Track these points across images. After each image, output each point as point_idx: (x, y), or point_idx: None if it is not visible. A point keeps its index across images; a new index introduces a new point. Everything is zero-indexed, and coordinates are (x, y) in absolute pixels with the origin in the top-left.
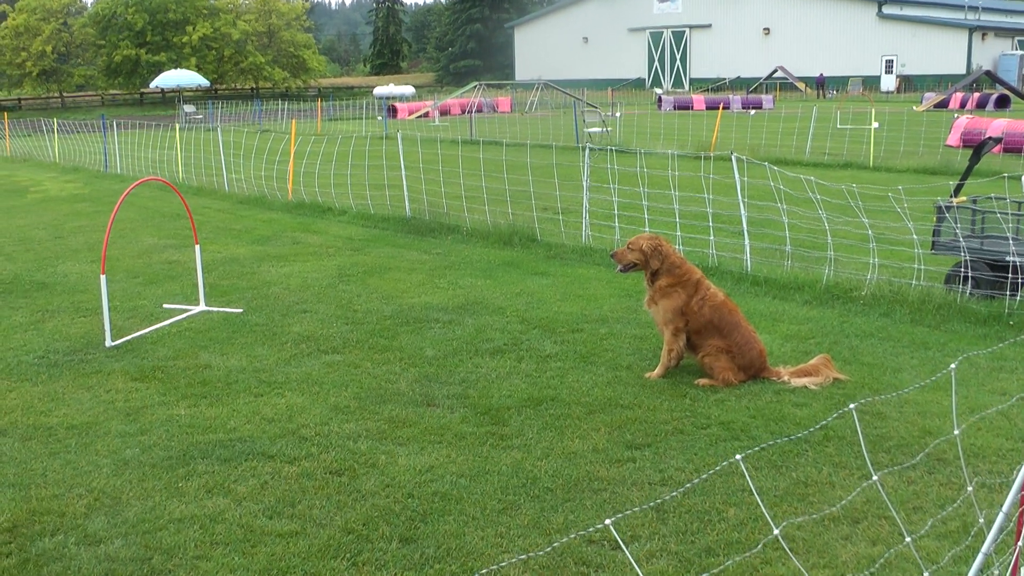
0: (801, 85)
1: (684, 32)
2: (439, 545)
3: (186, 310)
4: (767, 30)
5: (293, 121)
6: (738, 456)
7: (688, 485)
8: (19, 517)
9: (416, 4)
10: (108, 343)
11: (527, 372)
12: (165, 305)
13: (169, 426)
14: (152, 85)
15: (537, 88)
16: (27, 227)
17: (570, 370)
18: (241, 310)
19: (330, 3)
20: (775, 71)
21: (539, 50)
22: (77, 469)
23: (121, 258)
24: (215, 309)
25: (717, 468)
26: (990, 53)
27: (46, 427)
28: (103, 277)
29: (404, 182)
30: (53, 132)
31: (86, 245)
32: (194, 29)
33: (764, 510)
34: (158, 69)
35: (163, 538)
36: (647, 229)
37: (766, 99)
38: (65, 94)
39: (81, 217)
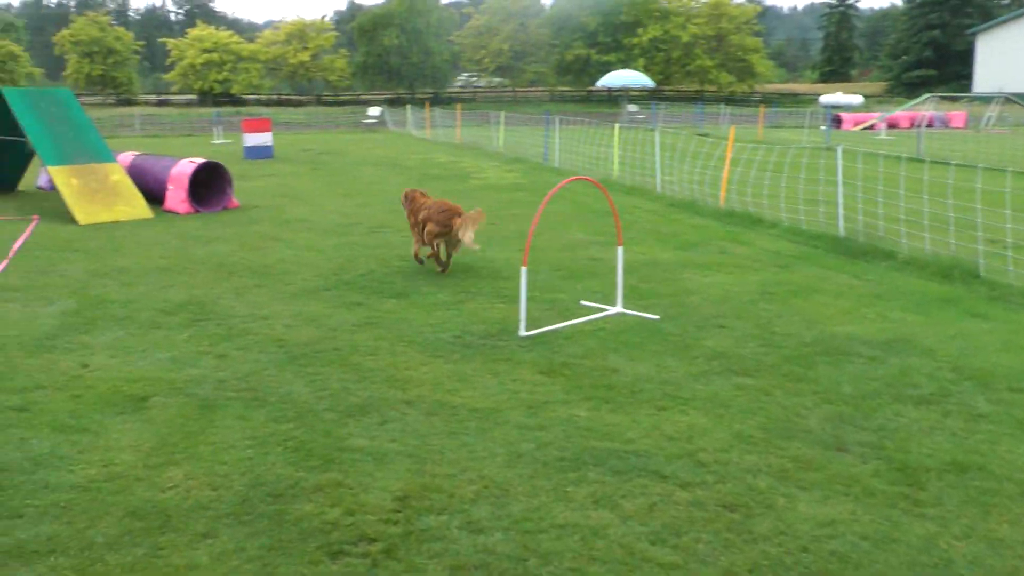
0: None
1: None
2: None
3: (602, 309)
4: None
5: (732, 127)
6: None
7: None
8: (411, 489)
9: (872, 9)
10: (522, 332)
11: (953, 430)
12: (582, 302)
13: (567, 426)
14: (599, 84)
15: (997, 102)
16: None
17: (1005, 437)
18: (657, 317)
19: (782, 7)
20: None
21: (1004, 60)
22: (472, 453)
23: (547, 250)
24: (631, 312)
25: None
26: None
27: (450, 406)
28: (524, 269)
29: (839, 199)
30: (500, 124)
31: (516, 233)
32: (644, 31)
33: None
34: (606, 68)
35: (542, 541)
36: None
37: None
38: (517, 89)
39: (516, 206)
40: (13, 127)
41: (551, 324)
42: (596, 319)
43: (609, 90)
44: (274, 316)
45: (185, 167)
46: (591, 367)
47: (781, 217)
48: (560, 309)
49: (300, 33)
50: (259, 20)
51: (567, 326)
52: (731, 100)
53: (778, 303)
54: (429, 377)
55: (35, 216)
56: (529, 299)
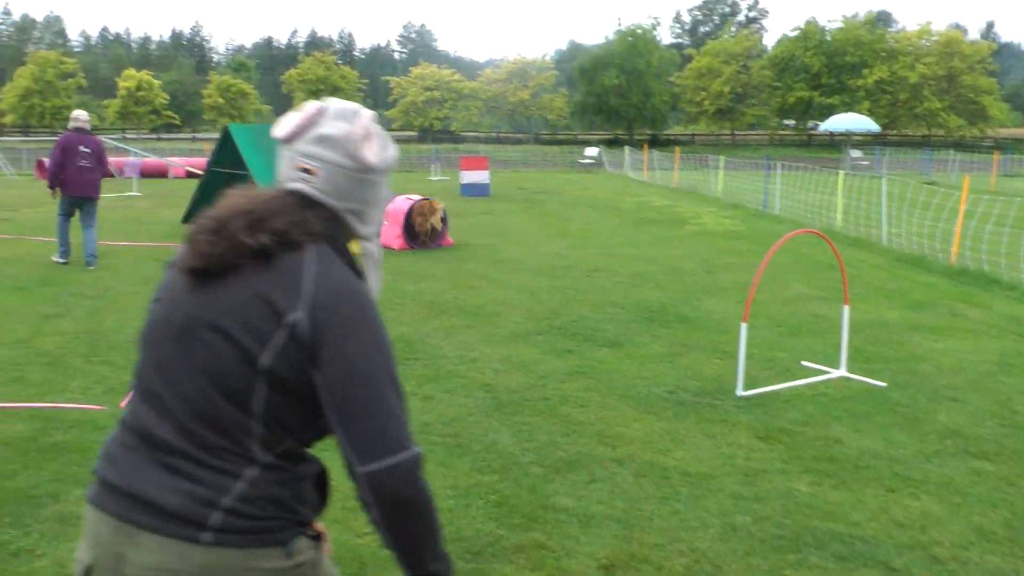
0: None
1: None
2: None
3: (824, 372)
4: None
5: (966, 177)
6: None
7: None
8: (617, 557)
9: None
10: (739, 392)
11: None
12: (803, 363)
13: (786, 500)
14: (821, 128)
15: None
16: (680, 258)
17: None
18: (884, 384)
19: (1020, 43)
20: None
21: None
22: (684, 522)
23: (766, 303)
24: (856, 377)
25: None
26: None
27: (662, 467)
28: (743, 325)
29: None
30: (719, 168)
31: (734, 284)
32: (870, 72)
33: None
34: (829, 111)
35: None
36: None
37: None
38: (736, 132)
39: (733, 254)
40: (239, 161)
41: (770, 385)
42: (818, 382)
43: (831, 134)
44: (483, 359)
45: (401, 203)
46: (812, 436)
47: (1021, 279)
48: (779, 369)
49: (521, 72)
50: (480, 59)
51: (787, 388)
52: (960, 145)
53: (1019, 377)
54: (640, 434)
55: None
56: (747, 356)
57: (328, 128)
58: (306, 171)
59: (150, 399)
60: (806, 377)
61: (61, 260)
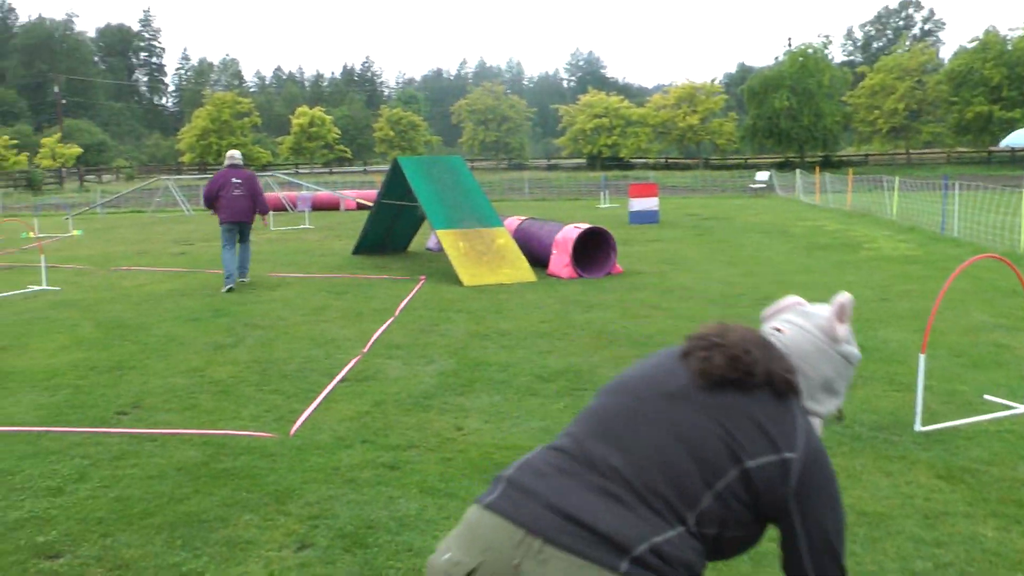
0: None
1: None
2: None
3: (1010, 407)
4: None
5: None
6: None
7: None
8: None
9: None
10: (917, 427)
11: None
12: (986, 396)
13: (970, 546)
14: (1002, 144)
15: None
16: (854, 285)
17: None
18: None
19: None
20: None
21: None
22: (860, 565)
23: (945, 333)
24: None
25: None
26: None
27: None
28: (922, 356)
29: None
30: (893, 190)
31: (911, 312)
32: None
33: None
34: (1011, 126)
35: None
36: None
37: None
38: (911, 151)
39: (910, 280)
40: (407, 192)
41: (950, 420)
42: (1003, 417)
43: (1013, 150)
44: None
45: (570, 232)
46: (998, 476)
47: None
48: (960, 403)
49: (689, 96)
50: (648, 84)
51: (968, 423)
52: None
53: None
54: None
55: (422, 276)
56: (925, 389)
57: (807, 307)
58: (777, 330)
59: (608, 437)
60: (989, 412)
61: (228, 285)
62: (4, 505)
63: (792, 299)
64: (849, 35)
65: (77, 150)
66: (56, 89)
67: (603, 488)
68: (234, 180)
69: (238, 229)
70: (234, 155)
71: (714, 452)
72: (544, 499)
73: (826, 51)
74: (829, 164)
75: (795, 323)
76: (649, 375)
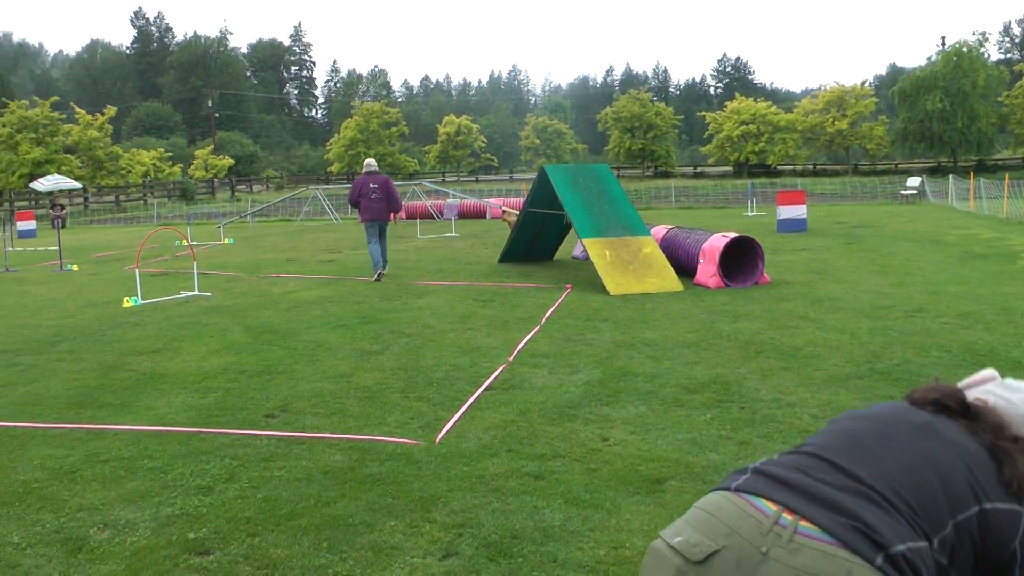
0: None
1: None
2: None
3: None
4: None
5: None
6: None
7: None
8: None
9: None
10: None
11: None
12: None
13: None
14: None
15: None
16: (1012, 296)
17: None
18: None
19: None
20: None
21: None
22: None
23: None
24: None
25: None
26: None
27: None
28: None
29: None
30: None
31: None
32: None
33: None
34: None
35: None
36: None
37: None
38: None
39: None
40: (554, 201)
41: None
42: None
43: None
44: (800, 404)
45: (717, 241)
46: None
47: None
48: None
49: (839, 100)
50: (796, 89)
51: None
52: None
53: None
54: None
55: (568, 285)
56: None
57: (1009, 381)
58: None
59: (858, 450)
60: None
61: (379, 271)
62: (157, 501)
63: (989, 372)
64: (1007, 31)
65: (229, 161)
66: (210, 103)
67: (857, 489)
68: (372, 185)
69: (378, 227)
70: (370, 163)
71: (959, 485)
72: (799, 487)
73: (982, 49)
74: (984, 168)
75: (1000, 395)
76: (888, 411)
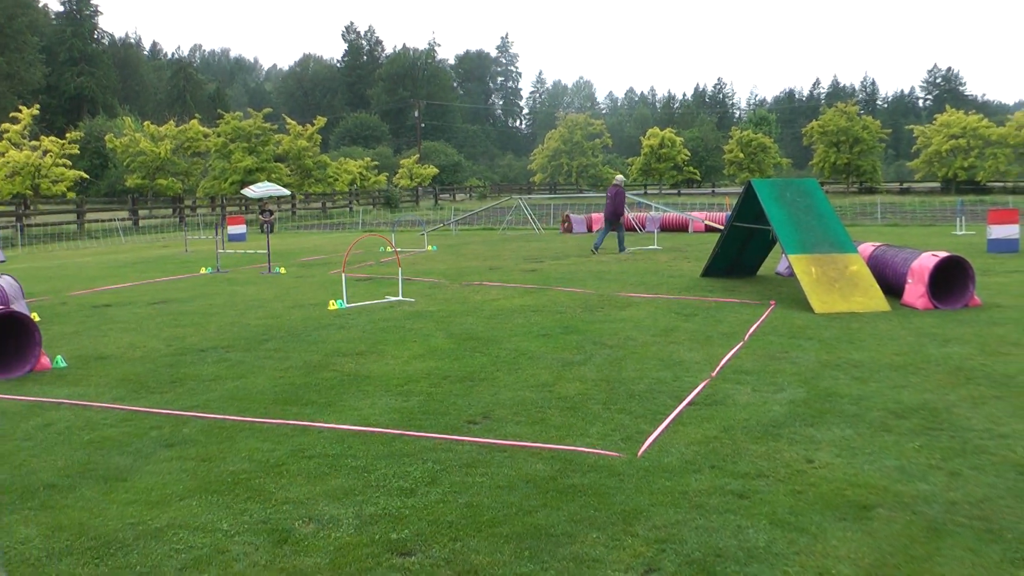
0: None
1: None
2: None
3: None
4: None
5: None
6: None
7: None
8: None
9: None
10: None
11: None
12: None
13: None
14: None
15: None
16: None
17: None
18: None
19: None
20: None
21: None
22: None
23: None
24: None
25: None
26: None
27: None
28: None
29: None
30: None
31: None
32: None
33: None
34: None
35: None
36: None
37: None
38: None
39: None
40: (759, 215)
41: None
42: None
43: None
44: (1014, 436)
45: (926, 260)
46: None
47: None
48: None
49: None
50: (1009, 101)
51: None
52: None
53: None
54: None
55: (772, 301)
56: None
57: None
58: None
59: None
60: None
61: (594, 250)
62: (361, 500)
63: None
64: None
65: (433, 170)
66: (416, 113)
67: None
68: (607, 194)
69: (608, 224)
70: (616, 179)
71: None
72: None
73: None
74: None
75: None
76: None
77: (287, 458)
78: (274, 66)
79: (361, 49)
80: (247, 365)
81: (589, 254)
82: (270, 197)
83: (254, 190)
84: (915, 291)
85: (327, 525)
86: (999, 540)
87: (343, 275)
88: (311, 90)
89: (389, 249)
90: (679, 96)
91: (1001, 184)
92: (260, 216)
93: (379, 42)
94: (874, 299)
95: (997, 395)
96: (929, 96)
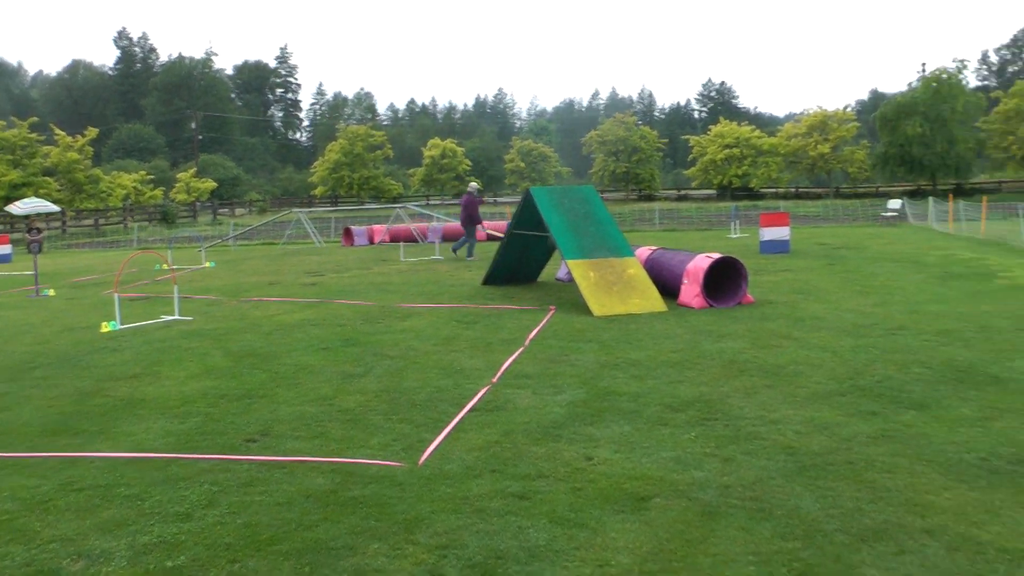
0: None
1: None
2: None
3: None
4: None
5: None
6: None
7: None
8: None
9: None
10: None
11: None
12: None
13: None
14: None
15: None
16: (990, 314)
17: None
18: None
19: None
20: None
21: None
22: None
23: None
24: None
25: None
26: None
27: (976, 541)
28: None
29: None
30: None
31: None
32: None
33: None
34: None
35: None
36: None
37: None
38: None
39: None
40: (539, 223)
41: None
42: None
43: None
44: (784, 421)
45: (701, 262)
46: None
47: None
48: None
49: (821, 125)
50: (780, 113)
51: None
52: None
53: None
54: (951, 504)
55: (552, 307)
56: None
57: None
58: None
59: None
60: None
61: (454, 251)
62: (134, 530)
63: None
64: (984, 59)
65: (211, 184)
66: (193, 125)
67: None
68: (461, 202)
69: (467, 231)
70: (469, 186)
71: None
72: None
73: (960, 76)
74: (961, 192)
75: None
76: None
77: (54, 493)
78: (40, 72)
79: (135, 56)
80: (11, 396)
81: (370, 267)
82: (38, 214)
83: (20, 207)
84: (691, 291)
85: (97, 560)
86: (770, 518)
87: (116, 295)
88: (81, 99)
89: (165, 267)
90: (460, 107)
91: (773, 190)
92: (27, 235)
93: (153, 49)
94: (651, 300)
95: (768, 384)
96: (704, 108)
